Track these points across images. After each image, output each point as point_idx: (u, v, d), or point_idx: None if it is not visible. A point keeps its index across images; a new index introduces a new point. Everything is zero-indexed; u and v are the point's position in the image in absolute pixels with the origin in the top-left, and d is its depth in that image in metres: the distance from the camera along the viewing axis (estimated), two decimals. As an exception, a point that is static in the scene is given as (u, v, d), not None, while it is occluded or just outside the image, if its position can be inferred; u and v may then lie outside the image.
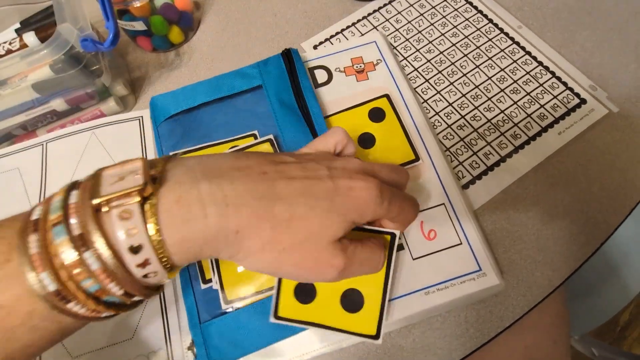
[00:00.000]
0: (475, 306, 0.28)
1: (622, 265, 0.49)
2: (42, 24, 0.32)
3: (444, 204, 0.29)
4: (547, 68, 0.36)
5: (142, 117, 0.34)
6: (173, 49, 0.40)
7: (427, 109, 0.34)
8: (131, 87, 0.38)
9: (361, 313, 0.24)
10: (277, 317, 0.24)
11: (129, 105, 0.37)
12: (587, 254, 0.29)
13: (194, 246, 0.17)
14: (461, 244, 0.28)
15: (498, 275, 0.27)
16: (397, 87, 0.34)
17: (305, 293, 0.25)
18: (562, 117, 0.33)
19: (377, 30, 0.39)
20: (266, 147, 0.30)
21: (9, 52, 0.30)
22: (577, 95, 0.34)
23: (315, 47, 0.39)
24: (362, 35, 0.38)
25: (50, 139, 0.33)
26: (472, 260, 0.27)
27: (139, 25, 0.36)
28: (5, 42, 0.30)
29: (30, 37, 0.30)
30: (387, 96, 0.33)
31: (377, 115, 0.32)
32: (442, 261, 0.27)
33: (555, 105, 0.34)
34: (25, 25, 0.32)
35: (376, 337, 0.24)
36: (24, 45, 0.30)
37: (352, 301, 0.25)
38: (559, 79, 0.35)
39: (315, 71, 0.35)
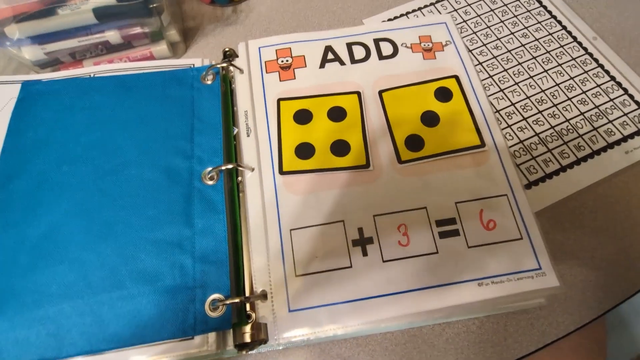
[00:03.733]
0: (517, 316, 0.26)
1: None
2: (110, -48, 0.31)
3: (506, 195, 0.27)
4: (619, 84, 0.34)
5: (193, 64, 0.33)
6: (231, 5, 0.39)
7: (488, 105, 0.33)
8: (183, 36, 0.37)
9: (350, 154, 0.29)
10: (282, 172, 0.28)
11: (179, 52, 0.36)
12: (644, 282, 0.27)
13: None
14: (521, 238, 0.26)
15: (558, 277, 0.25)
16: (466, 71, 0.32)
17: (304, 152, 0.29)
18: (632, 136, 0.31)
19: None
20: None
21: (73, -27, 0.29)
22: (651, 116, 0.32)
23: (377, 25, 0.37)
24: (429, 20, 0.37)
25: (96, 72, 0.32)
26: (532, 258, 0.25)
27: (204, -27, 0.35)
28: (70, -37, 0.29)
29: (96, -38, 0.29)
30: (456, 77, 0.32)
31: (443, 94, 0.31)
32: (499, 254, 0.25)
33: (625, 123, 0.32)
34: (93, -49, 0.31)
35: (367, 166, 0.28)
36: (89, -30, 0.29)
37: (340, 148, 0.29)
38: (631, 97, 0.33)
39: (381, 43, 0.33)
